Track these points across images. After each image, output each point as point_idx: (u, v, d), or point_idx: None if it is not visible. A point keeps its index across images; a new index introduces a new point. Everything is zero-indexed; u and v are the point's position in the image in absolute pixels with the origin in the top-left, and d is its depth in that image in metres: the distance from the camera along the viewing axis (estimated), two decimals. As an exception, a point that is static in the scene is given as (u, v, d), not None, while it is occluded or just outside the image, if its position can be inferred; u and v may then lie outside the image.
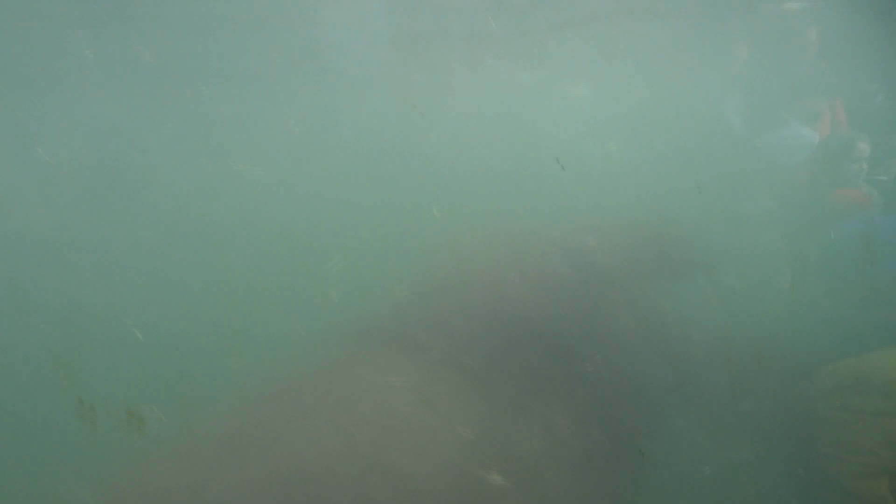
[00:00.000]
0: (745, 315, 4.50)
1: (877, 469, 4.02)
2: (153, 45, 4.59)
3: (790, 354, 4.48)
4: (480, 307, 4.06)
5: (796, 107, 6.42)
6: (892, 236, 4.88)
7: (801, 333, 4.62)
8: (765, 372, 4.28)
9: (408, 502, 2.93)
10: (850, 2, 6.49)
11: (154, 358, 3.68)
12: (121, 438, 3.14)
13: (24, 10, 4.16)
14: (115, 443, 3.12)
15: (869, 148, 5.77)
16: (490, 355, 3.77)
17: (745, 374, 4.18)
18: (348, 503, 2.84)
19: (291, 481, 2.86)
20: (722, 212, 5.50)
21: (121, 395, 3.16)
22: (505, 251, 4.66)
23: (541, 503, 3.33)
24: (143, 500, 2.83)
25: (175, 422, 3.26)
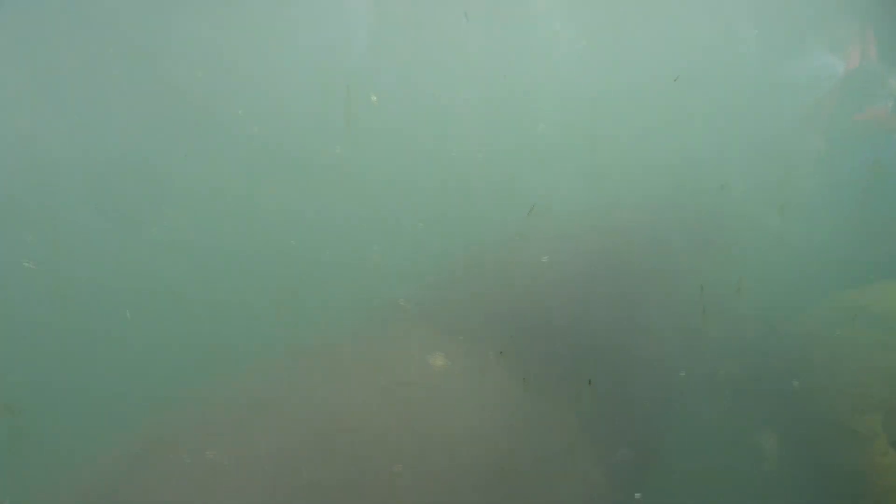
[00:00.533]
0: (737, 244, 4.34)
1: (870, 404, 3.89)
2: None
3: (786, 285, 4.33)
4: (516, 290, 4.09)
5: (822, 33, 6.01)
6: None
7: (798, 263, 4.44)
8: (755, 303, 4.14)
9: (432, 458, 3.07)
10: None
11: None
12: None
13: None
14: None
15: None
16: (520, 336, 3.80)
17: (732, 303, 4.06)
18: (379, 456, 3.00)
19: (326, 433, 3.06)
20: (730, 138, 5.26)
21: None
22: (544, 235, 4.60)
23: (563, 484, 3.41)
24: (194, 439, 3.02)
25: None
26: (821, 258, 4.47)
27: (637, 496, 3.65)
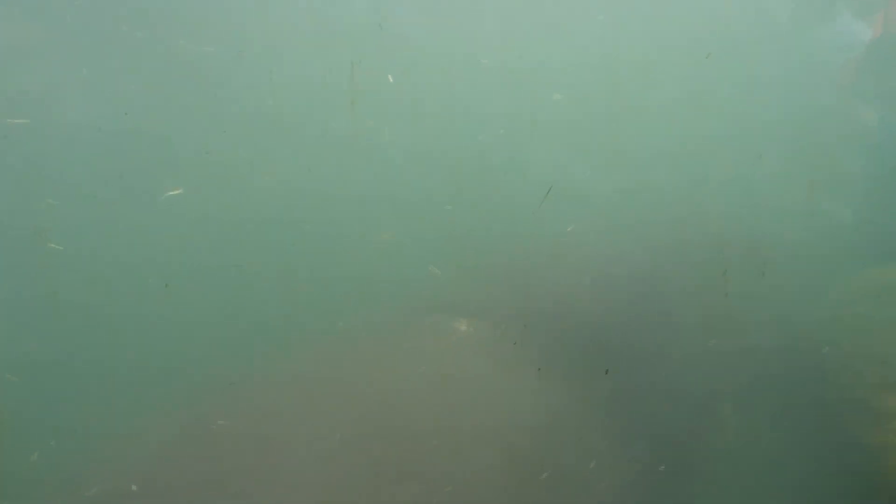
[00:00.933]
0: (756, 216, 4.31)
1: (890, 382, 3.91)
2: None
3: (812, 263, 4.31)
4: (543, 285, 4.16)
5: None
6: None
7: (826, 241, 4.40)
8: (780, 283, 4.15)
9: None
10: None
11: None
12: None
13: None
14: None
15: None
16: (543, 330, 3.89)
17: (756, 279, 4.07)
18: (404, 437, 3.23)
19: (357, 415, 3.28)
20: (758, 114, 5.11)
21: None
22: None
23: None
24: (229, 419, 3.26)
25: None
26: (849, 235, 4.42)
27: (661, 468, 3.80)
